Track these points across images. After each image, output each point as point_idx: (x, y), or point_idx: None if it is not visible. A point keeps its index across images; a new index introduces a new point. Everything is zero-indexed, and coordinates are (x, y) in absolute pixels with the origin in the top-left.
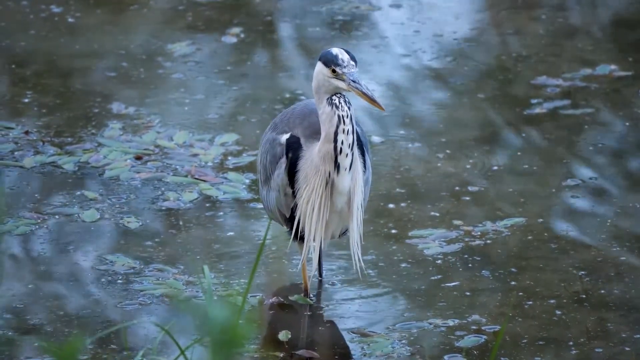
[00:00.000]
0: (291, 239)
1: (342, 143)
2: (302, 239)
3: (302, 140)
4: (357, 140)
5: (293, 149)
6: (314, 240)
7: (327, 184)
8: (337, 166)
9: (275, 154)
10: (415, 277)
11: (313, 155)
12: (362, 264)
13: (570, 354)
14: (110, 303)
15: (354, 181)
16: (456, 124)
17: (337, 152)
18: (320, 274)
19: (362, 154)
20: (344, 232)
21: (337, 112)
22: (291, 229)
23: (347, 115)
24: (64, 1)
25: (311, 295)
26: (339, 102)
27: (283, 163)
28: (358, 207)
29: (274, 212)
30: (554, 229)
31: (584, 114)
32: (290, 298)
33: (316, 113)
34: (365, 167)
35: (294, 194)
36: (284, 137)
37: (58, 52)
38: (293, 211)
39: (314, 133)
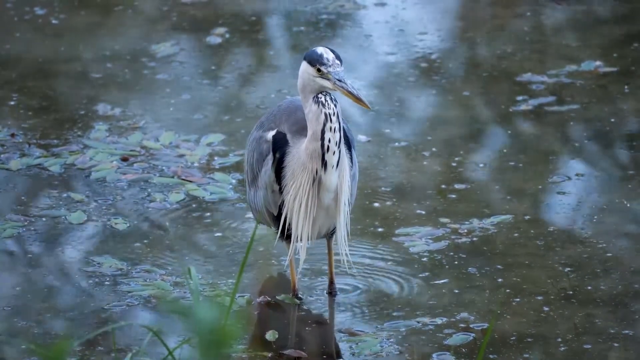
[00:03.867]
0: (277, 238)
1: (329, 141)
2: (288, 237)
3: (289, 137)
4: (343, 137)
5: (279, 146)
6: (300, 238)
7: (314, 181)
8: (324, 164)
9: (262, 152)
10: (402, 275)
11: (300, 152)
12: (350, 260)
13: (559, 351)
14: (98, 305)
15: (341, 178)
16: (442, 122)
17: (324, 150)
18: (332, 292)
19: (349, 149)
20: (332, 232)
21: (323, 110)
22: (278, 227)
23: (334, 113)
24: (49, 3)
25: (299, 294)
26: (325, 100)
27: (270, 160)
28: (345, 203)
29: (261, 212)
30: (541, 225)
31: (570, 111)
32: (278, 298)
33: (302, 109)
34: (352, 162)
35: (281, 191)
36: (270, 133)
37: (43, 54)
38: (280, 209)
39: (301, 129)
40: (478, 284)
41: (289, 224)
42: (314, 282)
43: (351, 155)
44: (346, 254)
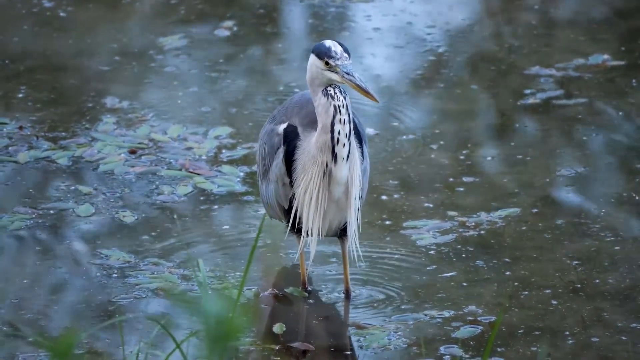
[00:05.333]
0: (288, 231)
1: (339, 133)
2: (299, 231)
3: (300, 130)
4: (354, 131)
5: (290, 139)
6: (311, 232)
7: (324, 174)
8: (334, 156)
9: (273, 145)
10: (410, 269)
11: (310, 145)
12: (360, 254)
13: (567, 344)
14: (106, 297)
15: (352, 171)
16: (450, 115)
17: (334, 142)
18: (348, 295)
19: (360, 143)
20: (344, 229)
21: (332, 102)
22: (289, 221)
23: (343, 105)
24: None
25: (308, 288)
26: (334, 93)
27: (281, 153)
28: (356, 196)
29: (273, 207)
30: (549, 219)
31: (578, 104)
32: (286, 290)
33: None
34: (363, 157)
35: (291, 184)
36: (282, 126)
37: (51, 47)
38: (291, 202)
39: (312, 122)
40: (486, 277)
41: (300, 218)
42: (322, 275)
43: (362, 149)
44: (357, 249)
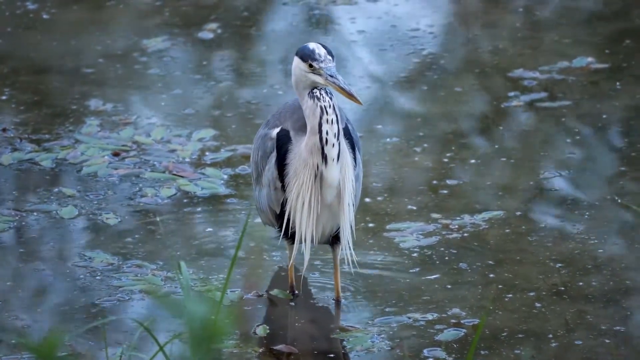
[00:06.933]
0: (281, 237)
1: (327, 133)
2: (292, 237)
3: (292, 134)
4: (348, 137)
5: (283, 143)
6: (304, 238)
7: (316, 177)
8: (324, 157)
9: (266, 149)
10: (393, 271)
11: (301, 149)
12: (355, 258)
13: (550, 347)
14: (89, 299)
15: (343, 173)
16: (433, 118)
17: (323, 143)
18: (338, 304)
19: (353, 149)
20: (336, 236)
21: (319, 103)
22: (282, 226)
23: (330, 106)
24: None
25: (296, 292)
26: (320, 94)
27: (273, 157)
28: (349, 201)
29: (266, 212)
30: (532, 221)
31: (562, 107)
32: (271, 293)
33: None
34: (355, 162)
35: (283, 189)
36: (275, 131)
37: (35, 49)
38: (283, 206)
39: (303, 126)
40: (469, 279)
41: (293, 223)
42: (307, 278)
43: (355, 155)
44: (351, 254)
